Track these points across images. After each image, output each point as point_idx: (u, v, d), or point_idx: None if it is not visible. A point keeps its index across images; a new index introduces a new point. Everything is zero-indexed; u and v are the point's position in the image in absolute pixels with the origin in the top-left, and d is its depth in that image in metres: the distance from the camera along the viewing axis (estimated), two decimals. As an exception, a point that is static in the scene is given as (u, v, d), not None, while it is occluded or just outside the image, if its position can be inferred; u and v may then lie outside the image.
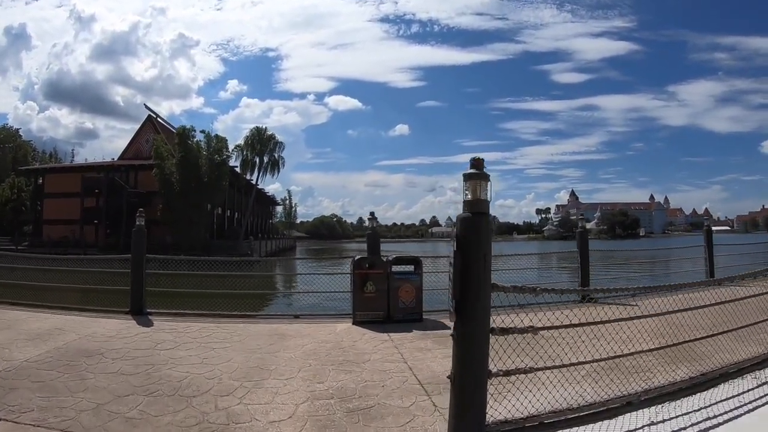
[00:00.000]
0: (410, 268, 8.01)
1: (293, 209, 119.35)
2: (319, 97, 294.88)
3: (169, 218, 41.75)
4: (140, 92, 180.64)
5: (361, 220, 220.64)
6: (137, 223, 8.60)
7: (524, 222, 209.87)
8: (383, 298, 7.66)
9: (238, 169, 49.57)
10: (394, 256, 8.43)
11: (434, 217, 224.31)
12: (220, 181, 43.88)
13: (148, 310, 8.27)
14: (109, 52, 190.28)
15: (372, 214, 10.06)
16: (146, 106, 54.97)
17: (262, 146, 49.79)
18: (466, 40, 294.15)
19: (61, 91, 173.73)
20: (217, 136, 45.78)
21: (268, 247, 50.93)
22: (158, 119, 54.11)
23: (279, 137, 52.70)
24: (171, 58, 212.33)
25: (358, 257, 8.21)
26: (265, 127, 51.51)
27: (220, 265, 10.10)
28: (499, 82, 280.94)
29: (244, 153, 49.54)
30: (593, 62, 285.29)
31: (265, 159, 50.35)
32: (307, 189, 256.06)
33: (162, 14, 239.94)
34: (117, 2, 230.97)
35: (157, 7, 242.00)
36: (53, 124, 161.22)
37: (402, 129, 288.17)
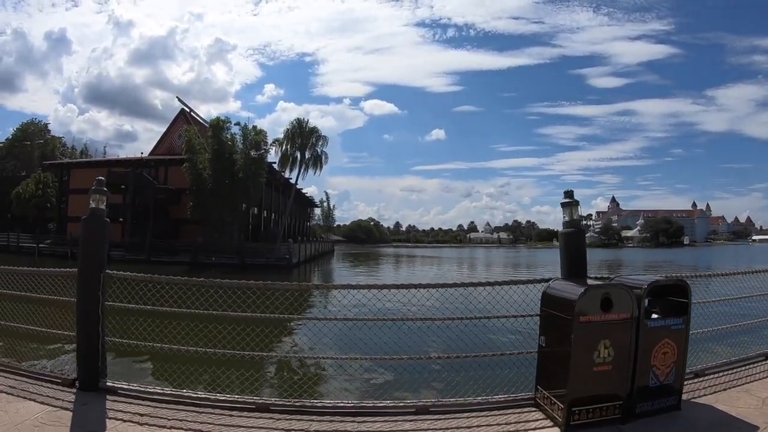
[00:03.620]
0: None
1: (331, 212, 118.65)
2: (355, 101, 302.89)
3: (201, 217, 41.42)
4: (178, 95, 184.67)
5: (398, 224, 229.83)
6: (92, 208, 5.23)
7: None
8: (624, 370, 4.24)
9: (276, 166, 48.65)
10: (648, 281, 4.52)
11: (472, 222, 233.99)
12: (257, 177, 42.81)
13: (109, 384, 5.00)
14: (147, 56, 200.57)
15: (570, 194, 5.49)
16: (179, 99, 55.34)
17: (304, 140, 47.88)
18: (502, 44, 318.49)
19: (100, 94, 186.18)
20: (254, 128, 45.00)
21: (306, 251, 49.71)
22: (192, 113, 54.00)
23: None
24: (208, 62, 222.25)
25: (557, 282, 4.78)
26: (307, 120, 50.40)
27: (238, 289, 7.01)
28: (535, 86, 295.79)
29: (284, 147, 47.55)
30: (630, 66, 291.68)
31: (307, 154, 48.30)
32: (343, 193, 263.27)
33: (199, 20, 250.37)
34: (155, 8, 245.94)
35: (195, 13, 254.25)
36: (93, 126, 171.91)
37: (438, 134, 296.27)
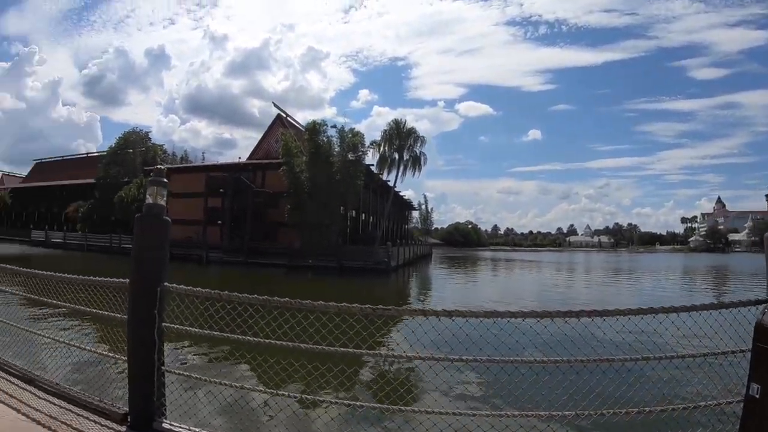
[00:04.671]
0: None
1: (429, 214, 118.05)
2: (450, 103, 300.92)
3: (298, 221, 41.68)
4: (274, 101, 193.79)
5: (496, 227, 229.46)
6: (148, 204, 4.07)
7: (667, 232, 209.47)
8: None
9: (374, 169, 48.35)
10: None
11: (571, 225, 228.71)
12: (354, 180, 42.78)
13: (166, 426, 3.92)
14: (243, 67, 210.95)
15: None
16: (275, 105, 56.75)
17: (401, 141, 47.15)
18: (595, 39, 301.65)
19: (199, 105, 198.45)
20: (351, 130, 45.00)
21: (405, 255, 49.68)
22: (288, 118, 54.91)
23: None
24: (302, 70, 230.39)
25: None
26: (405, 120, 49.86)
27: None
28: (632, 81, 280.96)
29: (382, 149, 46.97)
30: (731, 55, 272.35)
31: (405, 156, 47.35)
32: (440, 196, 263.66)
33: (291, 30, 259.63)
34: (248, 22, 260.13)
35: (286, 24, 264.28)
36: (193, 135, 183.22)
37: (534, 134, 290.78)
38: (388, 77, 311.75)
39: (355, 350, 4.04)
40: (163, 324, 3.91)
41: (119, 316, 4.22)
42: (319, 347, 3.87)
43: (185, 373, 4.23)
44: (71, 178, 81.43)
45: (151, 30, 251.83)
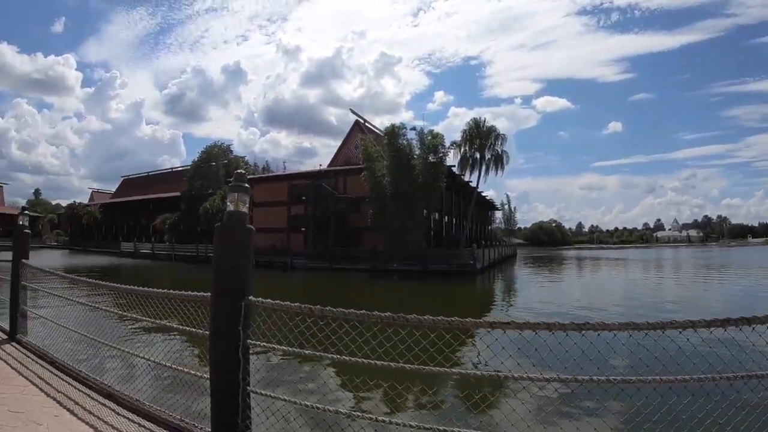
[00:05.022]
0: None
1: (512, 214, 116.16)
2: (526, 100, 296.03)
3: (381, 225, 41.65)
4: (351, 108, 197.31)
5: (580, 225, 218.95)
6: (229, 211, 3.89)
7: (759, 223, 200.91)
8: None
9: (455, 170, 47.99)
10: None
11: (658, 220, 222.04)
12: (436, 182, 42.34)
13: None
14: (318, 77, 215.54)
15: None
16: (352, 111, 57.14)
17: (482, 140, 46.40)
18: (670, 21, 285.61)
19: (277, 116, 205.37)
20: (431, 132, 44.61)
21: (489, 256, 48.32)
22: (366, 124, 55.30)
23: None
24: (376, 76, 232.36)
25: None
26: (484, 119, 49.14)
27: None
28: (712, 64, 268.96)
29: (462, 149, 46.45)
30: None
31: (487, 155, 46.53)
32: (521, 195, 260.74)
33: (362, 37, 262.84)
34: (318, 33, 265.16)
35: (357, 32, 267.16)
36: (274, 146, 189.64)
37: (614, 126, 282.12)
38: (463, 77, 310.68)
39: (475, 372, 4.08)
40: (249, 341, 3.65)
41: (201, 331, 4.11)
42: (427, 368, 3.36)
43: (272, 395, 3.82)
44: (157, 192, 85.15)
45: (226, 48, 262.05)
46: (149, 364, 4.95)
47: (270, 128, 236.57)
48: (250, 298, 3.62)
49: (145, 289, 4.80)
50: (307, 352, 3.87)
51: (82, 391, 5.05)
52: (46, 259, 55.18)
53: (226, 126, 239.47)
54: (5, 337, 7.81)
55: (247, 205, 3.85)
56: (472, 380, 8.45)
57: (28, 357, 6.52)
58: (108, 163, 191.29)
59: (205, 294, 3.97)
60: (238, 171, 4.00)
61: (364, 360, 3.43)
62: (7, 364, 6.19)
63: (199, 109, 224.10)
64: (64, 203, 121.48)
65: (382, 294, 28.15)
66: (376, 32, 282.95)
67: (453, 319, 3.09)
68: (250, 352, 3.71)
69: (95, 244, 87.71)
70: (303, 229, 47.59)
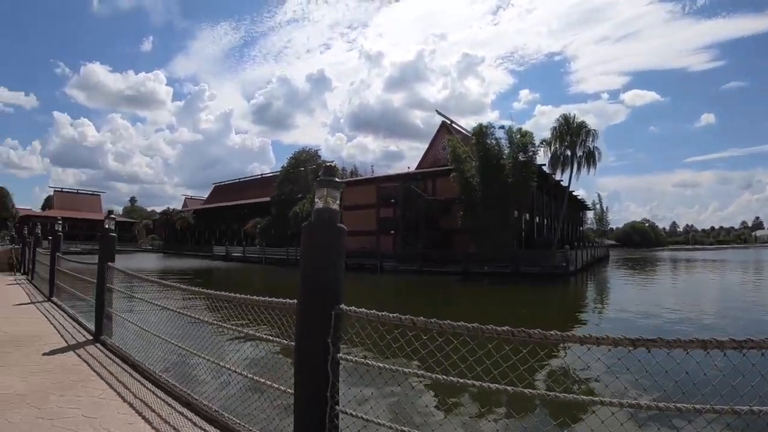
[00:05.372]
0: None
1: (604, 214, 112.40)
2: (613, 94, 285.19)
3: (471, 226, 41.46)
4: (436, 113, 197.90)
5: (674, 224, 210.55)
6: (318, 209, 3.47)
7: None
8: None
9: (545, 169, 46.78)
10: None
11: (757, 218, 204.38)
12: (527, 182, 41.56)
13: None
14: (401, 80, 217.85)
15: None
16: (438, 112, 57.80)
17: (573, 137, 45.32)
18: (759, 1, 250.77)
19: (363, 121, 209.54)
20: (519, 130, 43.73)
21: (582, 258, 47.43)
22: (453, 125, 55.00)
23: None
24: (460, 77, 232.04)
25: None
26: (574, 114, 47.79)
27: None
28: None
29: (553, 147, 45.74)
30: None
31: (578, 152, 45.44)
32: (612, 194, 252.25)
33: (443, 39, 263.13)
34: (399, 37, 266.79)
35: (437, 34, 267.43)
36: (361, 151, 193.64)
37: (707, 118, 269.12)
38: (547, 74, 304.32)
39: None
40: (339, 355, 3.24)
41: (285, 342, 3.81)
42: (552, 393, 2.71)
43: (365, 417, 3.35)
44: (247, 197, 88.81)
45: (309, 57, 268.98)
46: (231, 373, 4.67)
47: (356, 133, 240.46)
48: (342, 306, 3.23)
49: (228, 294, 4.58)
50: (407, 370, 3.23)
51: (160, 398, 5.07)
52: (141, 261, 59.11)
53: (313, 132, 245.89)
54: (90, 337, 8.08)
55: (338, 202, 3.44)
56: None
57: (110, 359, 6.73)
58: (200, 171, 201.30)
59: (290, 301, 3.60)
60: (327, 164, 3.58)
61: (470, 381, 2.93)
62: (89, 365, 6.37)
63: (286, 117, 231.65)
64: (158, 210, 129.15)
65: (473, 298, 27.95)
66: (457, 33, 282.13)
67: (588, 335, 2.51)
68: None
69: (188, 247, 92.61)
70: (392, 231, 48.24)
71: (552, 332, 2.51)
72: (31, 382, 5.49)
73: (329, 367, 3.15)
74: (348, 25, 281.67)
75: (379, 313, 3.07)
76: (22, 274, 20.82)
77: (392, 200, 48.17)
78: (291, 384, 3.46)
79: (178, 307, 5.91)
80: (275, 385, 3.93)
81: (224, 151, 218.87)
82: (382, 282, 37.40)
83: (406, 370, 3.21)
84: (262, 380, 4.12)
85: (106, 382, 5.54)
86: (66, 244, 61.70)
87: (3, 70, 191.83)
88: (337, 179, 3.45)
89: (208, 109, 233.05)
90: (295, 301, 3.44)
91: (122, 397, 5.00)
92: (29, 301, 12.78)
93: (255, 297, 4.18)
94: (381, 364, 3.22)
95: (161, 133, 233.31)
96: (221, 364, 4.68)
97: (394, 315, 2.99)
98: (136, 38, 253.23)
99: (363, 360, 3.31)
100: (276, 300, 3.81)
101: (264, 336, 4.13)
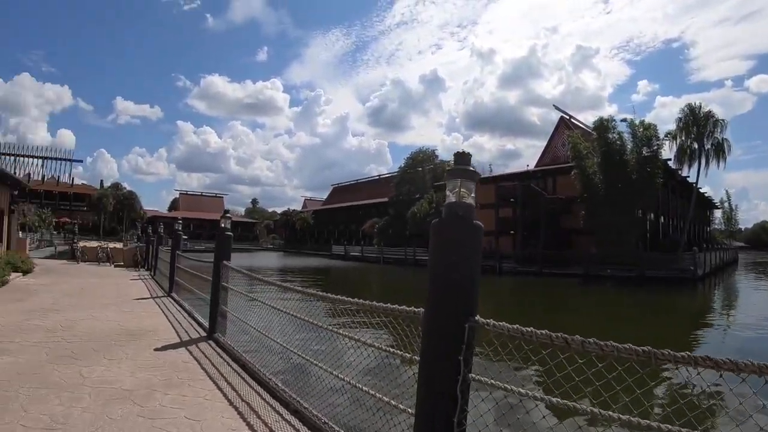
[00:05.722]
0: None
1: (733, 213, 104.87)
2: (738, 81, 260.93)
3: (593, 226, 40.62)
4: (552, 109, 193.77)
5: None
6: (450, 203, 3.07)
7: None
8: None
9: (671, 164, 44.83)
10: None
11: None
12: (652, 179, 39.93)
13: None
14: (515, 77, 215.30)
15: None
16: (556, 107, 56.50)
17: (700, 128, 43.69)
18: None
19: (479, 120, 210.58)
20: (642, 122, 41.98)
21: (710, 261, 43.99)
22: (571, 120, 54.01)
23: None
24: (575, 71, 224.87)
25: None
26: (700, 104, 45.36)
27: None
28: None
29: (678, 140, 44.31)
30: None
31: (706, 145, 43.86)
32: (739, 191, 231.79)
33: (554, 32, 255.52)
34: (510, 33, 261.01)
35: (548, 27, 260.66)
36: (477, 150, 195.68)
37: None
38: (665, 63, 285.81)
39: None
40: (471, 375, 2.81)
41: (408, 355, 3.44)
42: None
43: None
44: (365, 198, 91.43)
45: (421, 58, 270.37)
46: (345, 384, 4.30)
47: (472, 132, 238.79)
48: (477, 318, 2.79)
49: (348, 298, 4.24)
50: (563, 402, 2.48)
51: (268, 403, 4.99)
52: (262, 260, 62.69)
53: (429, 133, 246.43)
54: (204, 334, 8.38)
55: (473, 195, 3.02)
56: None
57: (221, 357, 6.86)
58: (318, 173, 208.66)
59: (416, 309, 3.23)
60: (460, 152, 3.09)
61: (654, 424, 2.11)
62: (199, 363, 6.49)
63: (401, 118, 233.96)
64: (279, 210, 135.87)
65: (598, 305, 26.27)
66: (568, 25, 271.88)
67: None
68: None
69: (308, 247, 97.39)
70: (511, 231, 48.18)
71: (746, 361, 1.83)
72: (139, 378, 5.69)
73: (459, 389, 2.74)
74: (457, 23, 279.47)
75: (524, 329, 2.59)
76: (146, 270, 22.53)
77: (511, 199, 47.89)
78: (412, 403, 3.13)
79: (293, 306, 5.79)
80: (393, 403, 3.66)
81: (341, 154, 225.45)
82: (501, 284, 36.34)
83: (561, 401, 2.47)
84: (378, 395, 3.83)
85: (214, 382, 5.65)
86: (192, 242, 66.57)
87: (129, 86, 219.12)
88: (472, 168, 3.04)
89: (325, 114, 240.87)
90: (422, 310, 3.06)
91: (228, 400, 5.07)
92: (149, 296, 13.73)
93: (377, 303, 3.77)
94: (522, 390, 2.74)
95: (280, 137, 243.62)
96: (338, 375, 4.39)
97: (543, 332, 2.48)
98: (251, 49, 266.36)
99: (501, 384, 2.80)
100: (400, 308, 3.50)
101: (384, 347, 3.86)
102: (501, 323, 2.70)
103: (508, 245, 47.62)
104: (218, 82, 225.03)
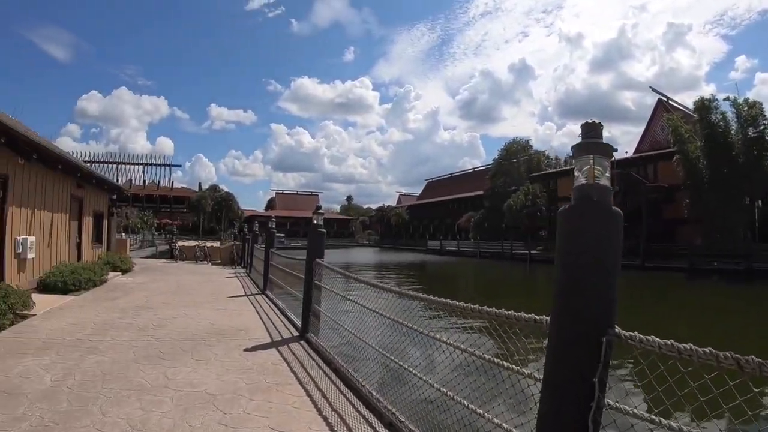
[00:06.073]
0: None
1: None
2: None
3: (698, 215, 38.81)
4: (647, 93, 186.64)
5: None
6: (580, 186, 2.51)
7: None
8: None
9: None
10: None
11: None
12: (759, 161, 37.19)
13: None
14: (605, 61, 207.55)
15: None
16: (653, 89, 54.48)
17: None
18: None
19: (571, 108, 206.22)
20: (746, 101, 39.36)
21: None
22: (669, 102, 52.25)
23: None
24: (668, 50, 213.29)
25: None
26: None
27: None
28: None
29: (790, 116, 41.35)
30: None
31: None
32: None
33: (643, 11, 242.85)
34: (597, 14, 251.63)
35: (636, 6, 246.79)
36: (572, 139, 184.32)
37: None
38: (764, 35, 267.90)
39: None
40: (606, 401, 2.37)
41: (526, 372, 3.03)
42: None
43: None
44: (459, 192, 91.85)
45: (508, 47, 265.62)
46: (447, 398, 3.86)
47: (565, 120, 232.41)
48: (617, 330, 2.29)
49: (459, 303, 3.67)
50: None
51: (360, 412, 4.72)
52: (357, 255, 64.13)
53: (521, 123, 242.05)
54: (296, 334, 8.26)
55: (608, 175, 2.47)
56: None
57: (312, 360, 6.66)
58: (412, 168, 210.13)
59: (538, 318, 2.79)
60: (588, 122, 2.56)
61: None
62: (289, 366, 6.34)
63: (492, 109, 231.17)
64: (374, 207, 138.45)
65: (723, 306, 22.32)
66: (657, 2, 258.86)
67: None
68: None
69: (403, 242, 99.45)
70: (611, 222, 46.63)
71: None
72: (225, 381, 5.63)
73: (590, 418, 2.26)
74: (542, 9, 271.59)
75: (681, 346, 2.01)
76: (242, 268, 23.49)
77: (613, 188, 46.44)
78: (529, 429, 2.79)
79: (386, 306, 5.29)
80: (506, 426, 3.22)
81: (434, 148, 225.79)
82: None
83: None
84: (489, 416, 3.38)
85: (304, 387, 5.46)
86: (289, 239, 69.64)
87: (223, 93, 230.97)
88: (605, 142, 2.52)
89: (415, 109, 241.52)
90: (547, 318, 2.61)
91: (318, 408, 4.82)
92: (243, 294, 13.88)
93: (494, 310, 3.13)
94: (676, 424, 2.16)
95: (372, 135, 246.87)
96: (447, 392, 3.88)
97: (707, 350, 1.90)
98: (337, 50, 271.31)
99: (646, 414, 2.36)
100: (518, 314, 2.96)
101: (497, 361, 3.32)
102: (650, 337, 2.17)
103: (609, 236, 46.17)
104: (308, 84, 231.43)
